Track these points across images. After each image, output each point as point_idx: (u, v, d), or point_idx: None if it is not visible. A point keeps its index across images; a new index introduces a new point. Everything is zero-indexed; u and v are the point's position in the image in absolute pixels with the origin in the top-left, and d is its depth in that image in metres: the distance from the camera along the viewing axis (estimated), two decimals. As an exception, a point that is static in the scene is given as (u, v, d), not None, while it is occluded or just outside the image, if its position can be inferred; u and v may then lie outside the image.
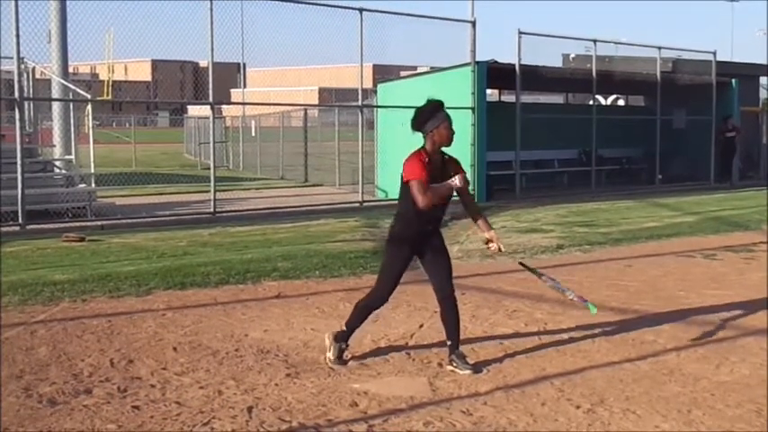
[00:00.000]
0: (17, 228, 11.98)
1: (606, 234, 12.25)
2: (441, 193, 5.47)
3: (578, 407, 4.90)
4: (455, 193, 5.59)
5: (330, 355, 5.73)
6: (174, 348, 6.09)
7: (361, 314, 5.80)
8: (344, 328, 5.81)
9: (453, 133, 5.53)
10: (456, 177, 5.46)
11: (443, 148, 5.59)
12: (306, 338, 6.40)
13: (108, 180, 16.61)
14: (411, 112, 5.62)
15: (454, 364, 5.60)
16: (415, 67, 31.54)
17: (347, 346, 5.79)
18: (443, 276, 5.68)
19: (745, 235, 12.40)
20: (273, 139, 28.01)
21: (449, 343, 5.71)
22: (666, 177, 21.54)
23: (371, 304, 5.77)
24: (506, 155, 18.35)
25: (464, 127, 17.10)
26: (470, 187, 5.77)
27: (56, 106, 14.71)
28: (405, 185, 5.48)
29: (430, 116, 5.50)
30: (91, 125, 15.06)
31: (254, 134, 31.02)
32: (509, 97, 22.39)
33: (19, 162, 12.13)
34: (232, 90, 50.74)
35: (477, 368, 5.59)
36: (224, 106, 33.49)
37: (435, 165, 5.49)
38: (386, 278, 5.72)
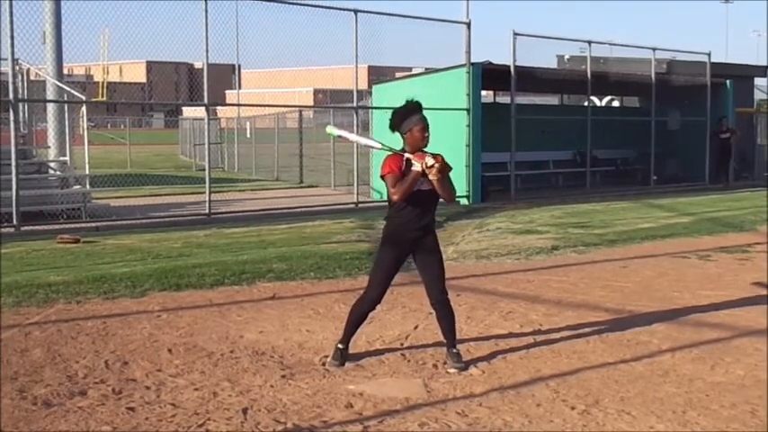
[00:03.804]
0: (12, 229, 11.96)
1: (601, 235, 12.26)
2: (410, 181, 5.40)
3: (573, 408, 4.91)
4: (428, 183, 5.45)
5: (330, 357, 5.76)
6: (169, 350, 6.08)
7: (356, 319, 5.79)
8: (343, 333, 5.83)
9: (427, 136, 5.50)
10: (418, 162, 5.35)
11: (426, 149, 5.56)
12: (301, 340, 6.40)
13: (103, 181, 16.60)
14: None
15: (447, 363, 5.66)
16: (410, 69, 31.57)
17: (346, 348, 5.79)
18: (434, 280, 5.66)
19: (739, 236, 12.42)
20: (268, 141, 28.01)
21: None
22: (661, 178, 21.59)
23: (364, 307, 5.76)
24: (501, 156, 18.38)
25: (459, 128, 17.17)
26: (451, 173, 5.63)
27: (50, 108, 14.69)
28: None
29: (404, 118, 5.51)
30: (86, 126, 15.05)
31: (249, 135, 31.03)
32: (504, 98, 22.42)
33: (13, 163, 12.11)
34: (227, 91, 50.67)
35: (465, 366, 5.62)
36: (219, 107, 33.45)
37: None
38: (375, 280, 5.72)
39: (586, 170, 20.19)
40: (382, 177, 5.57)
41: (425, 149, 5.52)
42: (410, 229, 5.59)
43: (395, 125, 5.56)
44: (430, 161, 5.34)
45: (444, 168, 5.42)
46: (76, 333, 6.53)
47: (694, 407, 4.95)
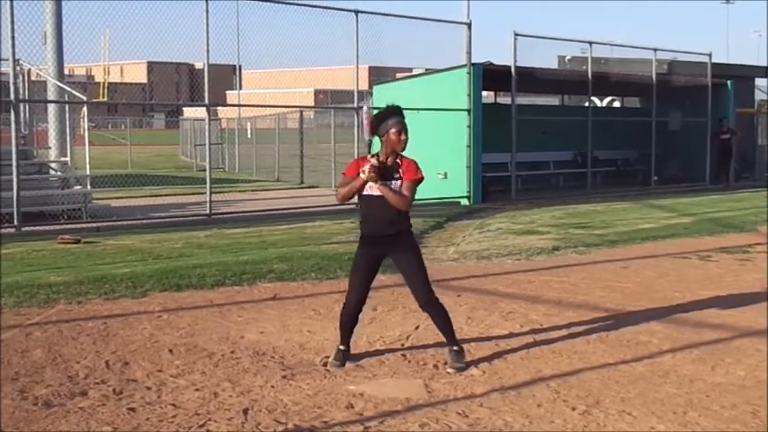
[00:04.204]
0: (12, 229, 11.96)
1: (602, 236, 12.26)
2: (350, 187, 5.54)
3: (574, 408, 4.91)
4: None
5: (332, 358, 5.77)
6: (170, 350, 6.08)
7: (346, 323, 5.78)
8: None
9: (403, 139, 5.51)
10: (366, 167, 5.41)
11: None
12: (302, 340, 6.40)
13: (103, 182, 16.61)
14: (407, 115, 5.65)
15: (447, 363, 5.67)
16: (410, 69, 31.55)
17: (347, 349, 5.80)
18: (416, 284, 5.65)
19: (740, 236, 12.41)
20: (269, 141, 28.02)
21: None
22: (662, 179, 21.58)
23: (349, 311, 5.74)
24: (502, 156, 18.36)
25: (460, 129, 17.17)
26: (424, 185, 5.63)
27: (51, 108, 14.70)
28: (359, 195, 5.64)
29: (381, 122, 5.55)
30: (86, 127, 15.06)
31: (249, 136, 31.02)
32: (505, 99, 22.41)
33: (14, 164, 12.11)
34: (228, 92, 50.64)
35: (464, 366, 5.63)
36: (219, 108, 33.45)
37: (387, 169, 5.51)
38: (351, 283, 5.76)
39: (587, 171, 20.19)
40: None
41: (403, 152, 5.56)
42: (377, 233, 5.61)
43: (373, 129, 5.60)
44: (365, 171, 5.40)
45: (377, 176, 5.40)
46: (77, 333, 6.53)
47: (695, 407, 4.95)
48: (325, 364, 5.72)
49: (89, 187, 14.46)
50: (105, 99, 61.66)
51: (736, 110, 23.33)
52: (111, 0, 14.93)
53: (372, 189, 5.48)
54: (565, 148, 21.37)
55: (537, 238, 11.92)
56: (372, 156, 5.52)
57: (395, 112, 5.57)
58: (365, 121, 5.87)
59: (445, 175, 16.73)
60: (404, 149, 5.56)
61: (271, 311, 7.38)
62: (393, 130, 5.49)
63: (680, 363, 5.87)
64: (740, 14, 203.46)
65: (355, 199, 5.67)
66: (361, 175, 5.45)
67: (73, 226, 12.45)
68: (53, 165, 14.80)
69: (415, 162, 5.60)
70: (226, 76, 44.03)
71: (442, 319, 5.72)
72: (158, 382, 5.35)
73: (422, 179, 5.57)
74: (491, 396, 5.12)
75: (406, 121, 5.59)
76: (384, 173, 5.46)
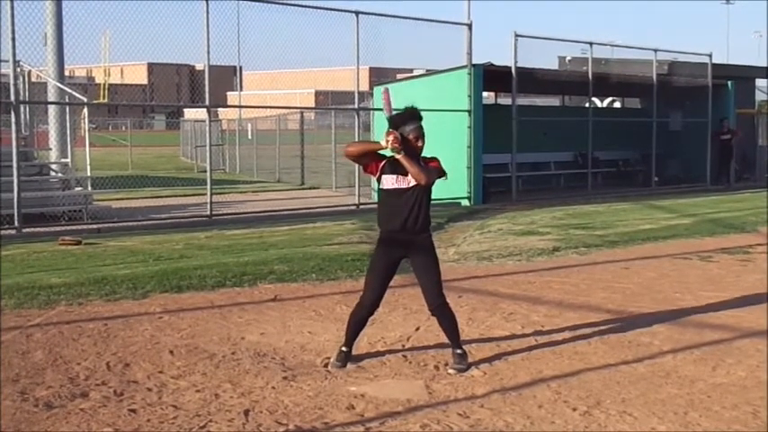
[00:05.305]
0: (13, 231, 11.96)
1: (602, 236, 12.25)
2: (365, 142, 5.71)
3: (575, 409, 4.91)
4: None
5: (333, 359, 5.76)
6: (171, 352, 6.08)
7: (355, 324, 5.79)
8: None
9: (420, 145, 5.53)
10: (390, 138, 5.35)
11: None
12: (302, 341, 6.40)
13: (104, 183, 16.61)
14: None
15: (449, 364, 5.67)
16: (411, 70, 31.56)
17: (349, 351, 5.80)
18: (429, 287, 5.66)
19: (741, 237, 12.41)
20: (270, 142, 28.03)
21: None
22: (662, 179, 21.58)
23: (362, 312, 5.75)
24: (503, 157, 18.38)
25: (460, 129, 17.17)
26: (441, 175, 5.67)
27: (52, 109, 14.70)
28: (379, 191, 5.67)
29: (398, 125, 5.54)
30: (87, 128, 15.06)
31: (250, 137, 31.04)
32: (505, 100, 22.42)
33: (15, 165, 12.11)
34: (228, 93, 50.67)
35: (465, 367, 5.63)
36: (220, 109, 33.46)
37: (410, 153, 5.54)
38: (369, 283, 5.75)
39: (588, 171, 20.20)
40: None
41: (423, 155, 5.58)
42: (397, 231, 5.58)
43: (391, 109, 5.65)
44: (389, 140, 5.33)
45: (401, 146, 5.37)
46: (78, 335, 6.53)
47: (696, 408, 4.95)
48: (326, 365, 5.73)
49: (90, 188, 14.47)
50: (106, 100, 61.72)
51: (736, 110, 23.34)
52: (111, 0, 14.92)
53: (398, 182, 5.50)
54: (565, 149, 21.37)
55: (537, 239, 11.92)
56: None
57: (412, 117, 5.57)
58: (383, 100, 5.87)
59: (446, 175, 16.73)
60: (420, 153, 5.57)
61: (271, 313, 7.38)
62: (411, 136, 5.50)
63: (681, 363, 5.87)
64: (740, 15, 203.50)
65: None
66: (382, 143, 5.39)
67: (73, 227, 12.45)
68: (54, 166, 14.80)
69: (438, 160, 5.63)
70: (226, 77, 44.06)
71: (448, 322, 5.72)
72: (159, 383, 5.35)
73: (443, 171, 5.62)
74: (492, 397, 5.12)
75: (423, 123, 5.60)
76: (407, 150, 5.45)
